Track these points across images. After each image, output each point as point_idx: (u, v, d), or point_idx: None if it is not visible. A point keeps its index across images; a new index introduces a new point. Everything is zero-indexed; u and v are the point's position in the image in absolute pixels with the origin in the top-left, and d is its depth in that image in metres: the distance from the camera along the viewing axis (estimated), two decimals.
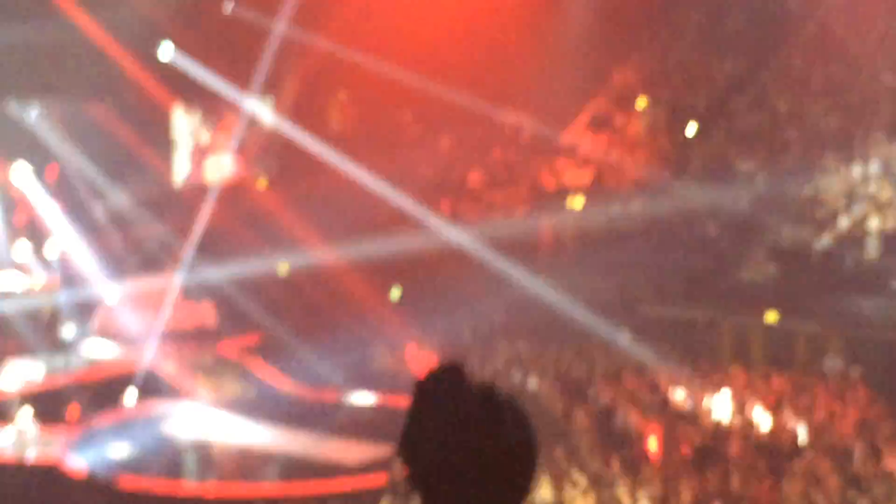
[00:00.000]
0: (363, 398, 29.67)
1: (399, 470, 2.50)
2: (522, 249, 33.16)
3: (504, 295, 31.50)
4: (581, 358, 30.29)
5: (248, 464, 26.93)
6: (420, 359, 31.25)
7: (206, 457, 27.87)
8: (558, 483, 22.02)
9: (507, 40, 36.96)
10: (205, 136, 36.91)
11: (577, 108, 38.56)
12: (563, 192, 36.35)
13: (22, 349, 31.91)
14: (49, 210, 34.56)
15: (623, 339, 29.69)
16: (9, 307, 32.48)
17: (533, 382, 29.33)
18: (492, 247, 32.51)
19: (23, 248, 34.35)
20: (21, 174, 34.39)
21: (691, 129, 36.95)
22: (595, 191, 35.79)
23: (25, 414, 27.92)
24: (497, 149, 38.77)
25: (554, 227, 35.54)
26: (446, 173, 37.99)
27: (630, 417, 25.95)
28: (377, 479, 23.58)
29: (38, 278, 34.20)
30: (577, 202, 35.67)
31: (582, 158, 37.39)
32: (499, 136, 38.21)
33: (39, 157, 34.28)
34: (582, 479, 22.27)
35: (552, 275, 31.90)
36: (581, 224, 35.10)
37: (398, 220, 34.01)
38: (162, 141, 36.23)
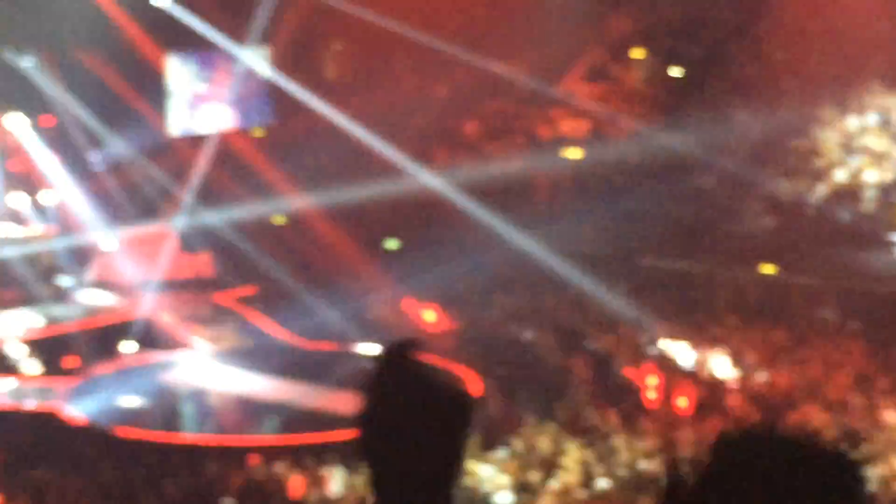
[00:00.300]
0: (361, 349, 29.71)
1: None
2: (519, 201, 33.13)
3: (500, 246, 31.48)
4: (578, 310, 30.32)
5: (245, 414, 27.03)
6: (416, 310, 31.29)
7: (203, 407, 27.96)
8: (555, 435, 22.13)
9: None
10: (200, 86, 36.74)
11: (574, 57, 38.39)
12: (559, 143, 36.27)
13: (21, 298, 31.96)
14: (45, 159, 34.48)
15: (619, 291, 29.70)
16: (6, 256, 32.49)
17: (529, 334, 29.41)
18: (487, 198, 32.46)
19: (20, 198, 34.30)
20: (17, 123, 34.27)
21: (676, 71, 36.81)
22: (591, 142, 35.71)
23: (25, 363, 27.99)
24: (493, 99, 38.63)
25: (550, 178, 35.49)
26: (442, 123, 37.86)
27: (627, 370, 26.06)
28: None
29: (36, 227, 34.18)
30: (573, 153, 35.61)
31: (578, 109, 37.27)
32: (495, 86, 38.03)
33: (35, 106, 34.15)
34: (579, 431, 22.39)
35: (548, 226, 31.90)
36: (577, 175, 35.04)
37: (395, 171, 33.94)
38: (157, 90, 36.05)
